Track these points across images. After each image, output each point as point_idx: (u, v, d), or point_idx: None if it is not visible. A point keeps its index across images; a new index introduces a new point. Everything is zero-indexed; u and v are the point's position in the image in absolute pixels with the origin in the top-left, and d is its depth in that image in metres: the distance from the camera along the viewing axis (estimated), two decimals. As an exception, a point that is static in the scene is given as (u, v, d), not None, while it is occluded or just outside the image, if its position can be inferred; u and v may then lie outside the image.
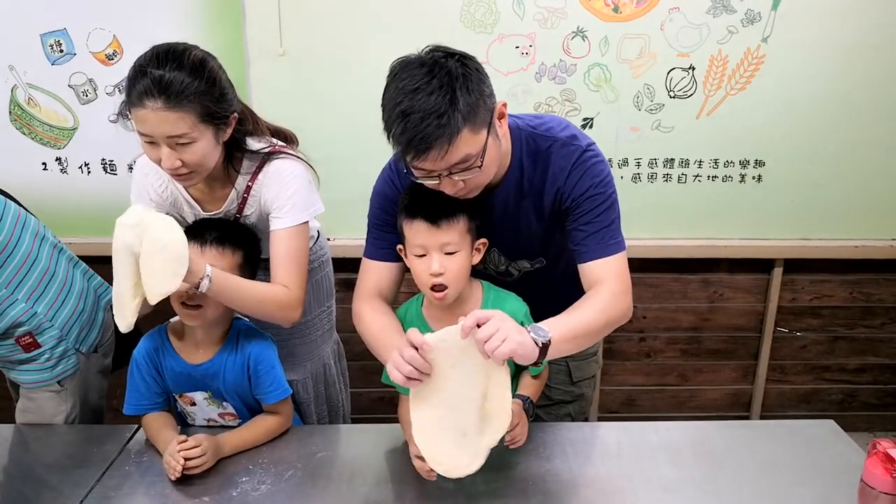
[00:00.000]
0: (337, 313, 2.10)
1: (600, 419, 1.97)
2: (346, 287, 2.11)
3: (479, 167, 1.38)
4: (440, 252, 1.48)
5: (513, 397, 1.51)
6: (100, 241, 2.58)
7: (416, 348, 1.31)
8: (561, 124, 1.57)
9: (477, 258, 1.56)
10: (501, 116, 1.43)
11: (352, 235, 2.57)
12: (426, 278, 1.49)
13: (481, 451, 1.36)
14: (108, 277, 1.97)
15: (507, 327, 1.27)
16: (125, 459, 1.61)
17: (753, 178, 2.70)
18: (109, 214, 2.57)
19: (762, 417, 3.06)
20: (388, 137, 1.36)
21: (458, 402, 1.35)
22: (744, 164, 2.69)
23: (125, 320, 1.43)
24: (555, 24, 2.51)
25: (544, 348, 1.33)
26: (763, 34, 2.53)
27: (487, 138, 1.38)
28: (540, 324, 1.36)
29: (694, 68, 2.57)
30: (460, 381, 1.34)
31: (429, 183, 1.41)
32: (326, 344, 2.04)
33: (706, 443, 1.65)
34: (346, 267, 2.11)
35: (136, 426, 1.71)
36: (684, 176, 2.69)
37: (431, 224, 1.46)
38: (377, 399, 2.92)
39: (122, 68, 2.49)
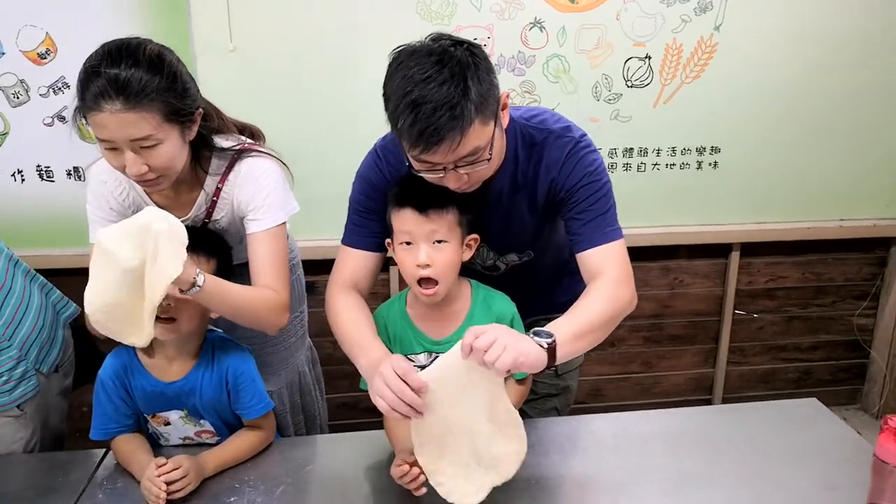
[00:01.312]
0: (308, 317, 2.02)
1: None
2: (310, 290, 2.04)
3: (488, 160, 1.34)
4: (428, 242, 1.42)
5: None
6: (47, 253, 2.46)
7: (406, 381, 1.24)
8: (554, 116, 1.54)
9: (468, 255, 1.51)
10: (504, 107, 1.38)
11: (310, 236, 2.47)
12: (413, 270, 1.43)
13: (486, 486, 1.32)
14: (68, 292, 1.86)
15: (504, 336, 1.22)
16: (95, 488, 1.48)
17: (710, 164, 2.75)
18: (54, 224, 2.49)
19: (724, 400, 3.12)
20: (394, 128, 1.29)
21: (463, 430, 1.30)
22: (700, 151, 2.73)
23: (144, 332, 1.32)
24: (512, 14, 2.48)
25: (551, 351, 1.28)
26: (715, 22, 2.57)
27: (495, 130, 1.33)
28: (543, 327, 1.32)
29: (650, 57, 2.59)
30: (463, 411, 1.29)
31: (431, 177, 1.35)
32: (300, 350, 1.96)
33: (700, 429, 1.65)
34: (308, 269, 2.03)
35: (105, 450, 1.59)
36: (643, 165, 2.72)
37: (420, 213, 1.41)
38: (341, 405, 2.84)
39: (56, 68, 2.37)
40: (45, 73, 2.37)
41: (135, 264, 1.27)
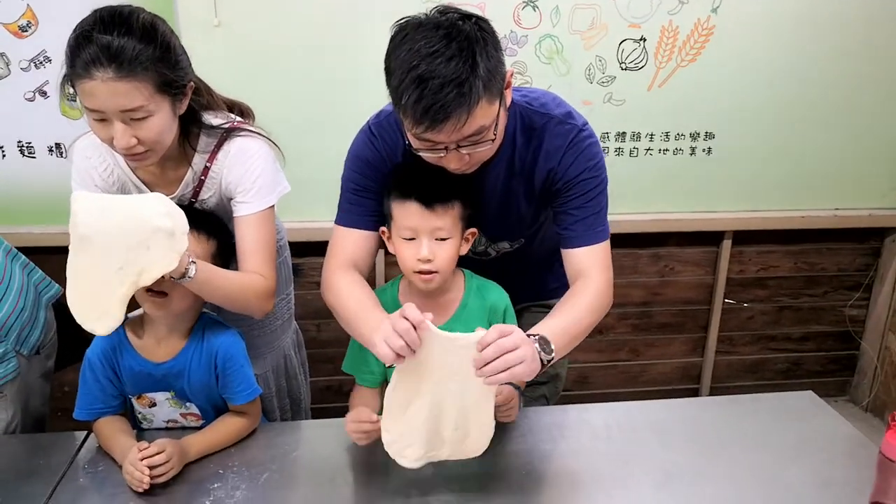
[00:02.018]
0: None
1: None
2: (296, 272, 2.00)
3: (492, 140, 1.30)
4: (431, 237, 1.40)
5: None
6: (28, 230, 2.41)
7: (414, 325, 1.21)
8: (555, 100, 1.49)
9: (465, 248, 1.50)
10: (508, 86, 1.33)
11: (297, 218, 2.43)
12: (413, 263, 1.41)
13: (428, 457, 1.32)
14: (49, 272, 1.81)
15: (525, 350, 1.19)
16: (77, 471, 1.45)
17: (703, 150, 2.71)
18: (35, 202, 2.44)
19: (712, 389, 3.10)
20: (397, 104, 1.25)
21: (434, 403, 1.28)
22: (694, 136, 2.69)
23: (111, 317, 1.29)
24: (505, -8, 2.43)
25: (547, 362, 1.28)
26: (713, 4, 2.53)
27: (500, 109, 1.29)
28: (540, 332, 1.30)
29: (645, 39, 2.54)
30: (444, 389, 1.27)
31: (430, 156, 1.31)
32: (286, 334, 1.92)
33: (693, 421, 1.63)
34: (294, 251, 1.99)
35: (86, 432, 1.55)
36: (636, 149, 2.68)
37: (426, 207, 1.38)
38: (325, 388, 2.81)
39: (38, 41, 2.31)
40: (25, 46, 2.31)
41: (88, 233, 1.25)
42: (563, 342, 1.33)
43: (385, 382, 1.53)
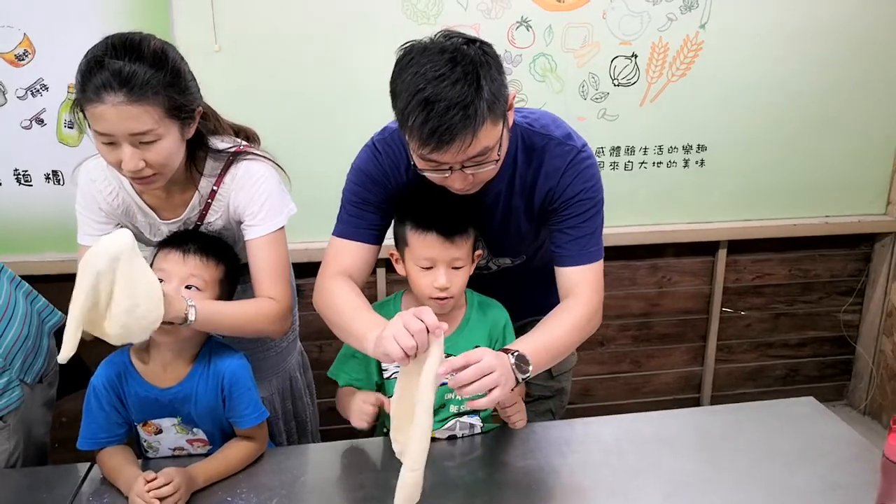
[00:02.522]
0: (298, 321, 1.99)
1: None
2: (299, 294, 2.00)
3: (496, 161, 1.32)
4: (448, 266, 1.44)
5: None
6: (26, 259, 2.39)
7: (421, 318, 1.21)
8: (556, 121, 1.52)
9: (472, 269, 1.53)
10: (510, 107, 1.36)
11: (295, 239, 2.43)
12: (431, 290, 1.45)
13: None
14: (49, 299, 1.81)
15: (492, 379, 1.22)
16: (81, 503, 1.43)
17: (696, 162, 2.75)
18: (33, 230, 2.43)
19: (713, 398, 3.12)
20: (403, 126, 1.27)
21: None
22: (687, 149, 2.73)
23: (65, 350, 1.26)
24: (499, 13, 2.47)
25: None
26: (701, 20, 2.57)
27: (503, 130, 1.31)
28: (520, 348, 1.32)
29: (636, 56, 2.58)
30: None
31: (435, 176, 1.34)
32: (291, 355, 1.93)
33: (699, 430, 1.64)
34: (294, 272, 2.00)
35: (90, 464, 1.53)
36: (630, 163, 2.71)
37: (446, 238, 1.42)
38: (331, 409, 2.78)
39: (35, 69, 2.32)
40: (22, 74, 2.32)
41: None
42: (543, 359, 1.35)
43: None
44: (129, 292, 1.26)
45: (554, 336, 1.41)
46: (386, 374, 1.60)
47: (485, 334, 1.57)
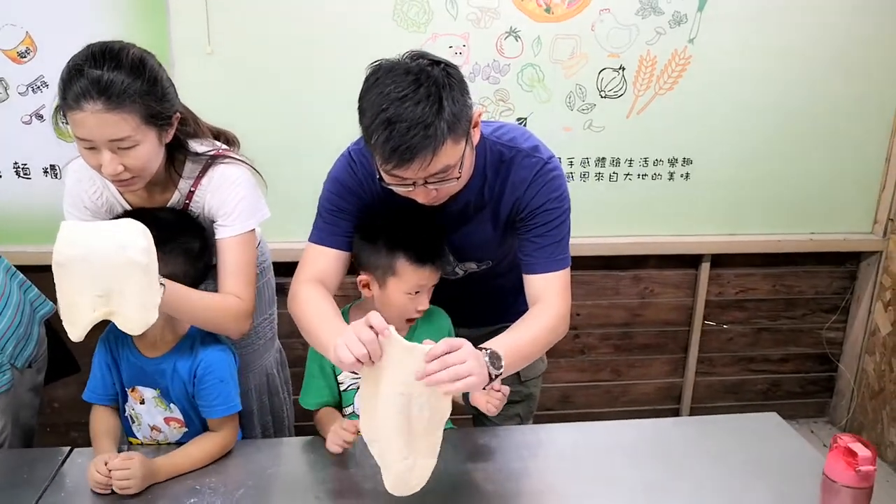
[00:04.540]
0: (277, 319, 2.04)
1: (536, 417, 1.99)
2: (281, 292, 2.05)
3: (458, 178, 1.37)
4: (429, 289, 1.57)
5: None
6: (22, 249, 2.45)
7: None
8: (524, 134, 1.57)
9: None
10: (475, 126, 1.41)
11: (283, 239, 2.49)
12: (412, 313, 1.57)
13: (424, 474, 1.34)
14: (43, 289, 1.87)
15: (469, 367, 1.24)
16: (60, 484, 1.48)
17: (682, 175, 2.78)
18: (30, 221, 2.50)
19: (692, 410, 3.14)
20: (368, 143, 1.32)
21: (406, 401, 1.30)
22: (672, 162, 2.76)
23: (77, 329, 1.34)
24: (488, 24, 2.51)
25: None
26: (689, 35, 2.60)
27: (465, 148, 1.36)
28: (494, 348, 1.35)
29: (624, 68, 2.62)
30: (407, 386, 1.29)
31: (401, 190, 1.39)
32: (269, 353, 1.97)
33: (661, 441, 1.66)
34: (279, 272, 2.05)
35: (69, 448, 1.60)
36: (615, 175, 2.74)
37: (436, 268, 1.56)
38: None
39: (36, 67, 2.40)
40: (24, 71, 2.40)
41: (63, 262, 1.31)
42: (514, 359, 1.39)
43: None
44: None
45: (524, 339, 1.45)
46: (342, 387, 1.66)
47: (434, 341, 1.61)
